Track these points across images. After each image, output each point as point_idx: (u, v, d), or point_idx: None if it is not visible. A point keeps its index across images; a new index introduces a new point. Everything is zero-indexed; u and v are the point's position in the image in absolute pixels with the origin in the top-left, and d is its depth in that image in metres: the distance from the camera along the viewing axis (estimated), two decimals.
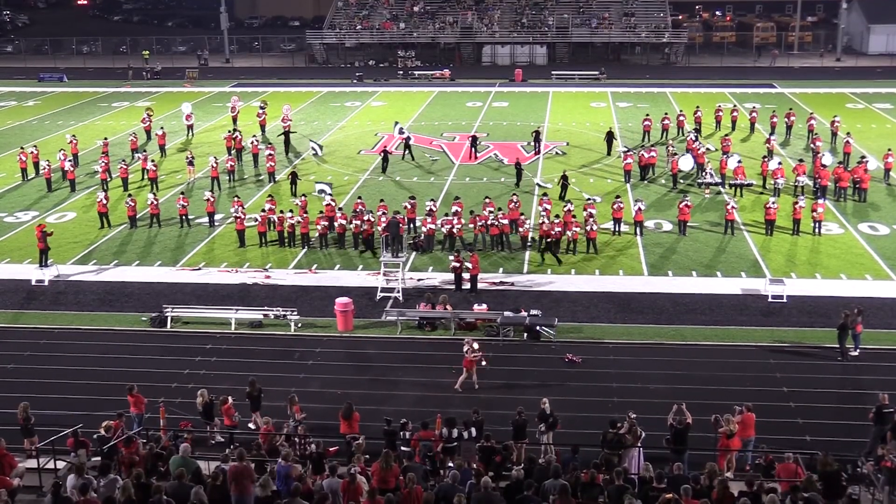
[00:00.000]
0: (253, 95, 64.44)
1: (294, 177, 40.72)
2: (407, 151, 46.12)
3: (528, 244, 33.60)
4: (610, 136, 46.79)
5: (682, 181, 40.99)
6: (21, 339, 27.43)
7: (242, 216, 34.67)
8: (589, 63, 76.57)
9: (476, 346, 23.85)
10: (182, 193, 39.01)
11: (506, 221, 33.52)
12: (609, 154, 46.00)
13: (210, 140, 49.68)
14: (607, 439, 18.86)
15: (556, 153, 46.95)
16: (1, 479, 16.79)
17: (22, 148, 45.47)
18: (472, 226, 33.71)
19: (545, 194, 36.77)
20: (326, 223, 34.25)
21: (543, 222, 32.86)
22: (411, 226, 34.65)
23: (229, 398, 21.24)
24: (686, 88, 64.75)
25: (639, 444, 18.61)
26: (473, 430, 19.26)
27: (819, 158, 40.17)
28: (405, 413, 20.99)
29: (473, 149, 46.26)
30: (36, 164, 43.82)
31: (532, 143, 47.16)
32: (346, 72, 75.96)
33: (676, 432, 19.07)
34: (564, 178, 39.26)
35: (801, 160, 40.30)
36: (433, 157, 46.69)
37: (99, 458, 17.55)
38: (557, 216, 33.34)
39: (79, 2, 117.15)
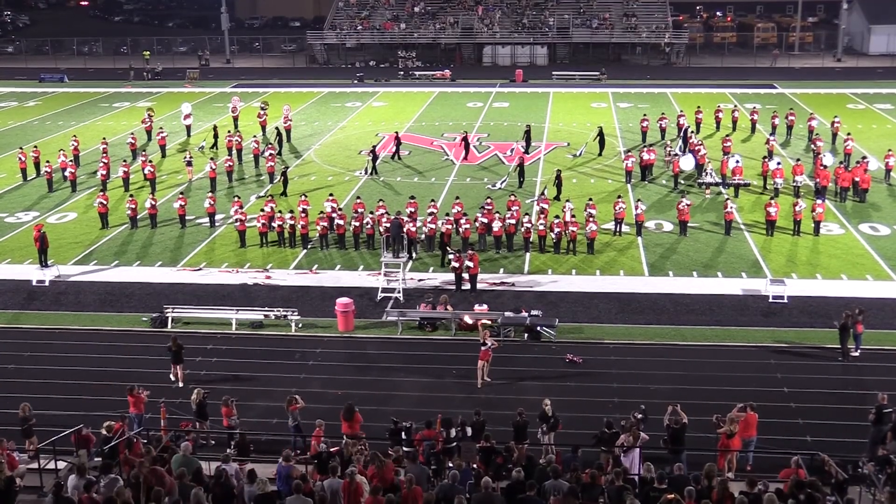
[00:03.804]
0: (253, 96, 64.45)
1: (285, 177, 40.82)
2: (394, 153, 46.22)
3: (530, 244, 33.62)
4: (601, 135, 46.20)
5: (682, 181, 40.98)
6: (21, 339, 27.44)
7: (243, 216, 34.70)
8: (589, 63, 76.62)
9: (490, 342, 24.04)
10: (181, 194, 39.02)
11: (513, 221, 33.49)
12: (601, 154, 45.85)
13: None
14: (603, 439, 18.89)
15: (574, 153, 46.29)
16: (10, 457, 16.79)
17: (21, 148, 45.46)
18: (468, 226, 33.62)
19: (543, 193, 36.83)
20: (326, 224, 34.27)
21: (542, 221, 32.92)
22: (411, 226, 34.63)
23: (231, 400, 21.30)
24: (687, 89, 64.72)
25: (637, 445, 18.60)
26: (469, 430, 19.24)
27: (820, 159, 40.16)
28: (406, 413, 20.96)
29: (466, 149, 46.22)
30: (37, 165, 43.81)
31: (522, 143, 47.05)
32: (346, 72, 75.98)
33: (673, 433, 19.10)
34: (559, 176, 39.30)
35: (798, 160, 40.29)
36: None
37: (100, 459, 17.55)
38: (557, 216, 33.37)
39: (80, 2, 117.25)
